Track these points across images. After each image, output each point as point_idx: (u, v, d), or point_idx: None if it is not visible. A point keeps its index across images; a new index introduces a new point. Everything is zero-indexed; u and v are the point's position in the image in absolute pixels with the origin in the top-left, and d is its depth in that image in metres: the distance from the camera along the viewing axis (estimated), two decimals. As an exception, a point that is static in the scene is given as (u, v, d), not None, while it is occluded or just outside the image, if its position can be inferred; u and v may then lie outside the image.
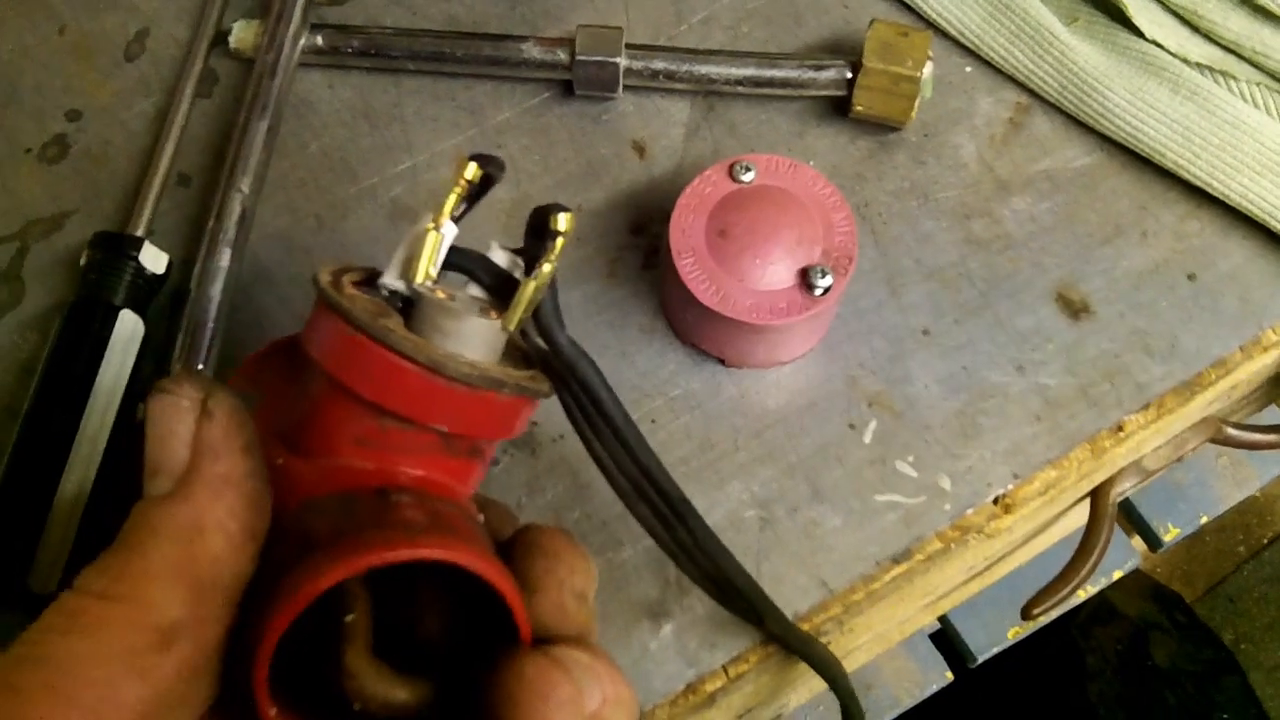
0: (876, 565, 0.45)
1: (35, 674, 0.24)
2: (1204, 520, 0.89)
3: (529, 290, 0.31)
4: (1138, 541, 0.91)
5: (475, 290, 0.32)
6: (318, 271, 0.30)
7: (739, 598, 0.41)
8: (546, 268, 0.30)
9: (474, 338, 0.30)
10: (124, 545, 0.26)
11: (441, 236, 0.30)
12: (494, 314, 0.31)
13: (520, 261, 0.32)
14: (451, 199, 0.30)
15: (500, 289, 0.32)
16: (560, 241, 0.30)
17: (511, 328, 0.31)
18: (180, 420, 0.27)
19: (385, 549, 0.25)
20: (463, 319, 0.30)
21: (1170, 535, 0.88)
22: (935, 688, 0.86)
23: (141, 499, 0.27)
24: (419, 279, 0.30)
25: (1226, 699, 1.13)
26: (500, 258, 0.32)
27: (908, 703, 0.86)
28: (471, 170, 0.30)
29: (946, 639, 0.89)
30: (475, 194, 0.31)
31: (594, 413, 0.34)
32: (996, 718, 1.09)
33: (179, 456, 0.27)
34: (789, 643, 0.42)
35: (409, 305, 0.31)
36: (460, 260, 0.31)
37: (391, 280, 0.31)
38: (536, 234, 0.31)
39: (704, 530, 0.39)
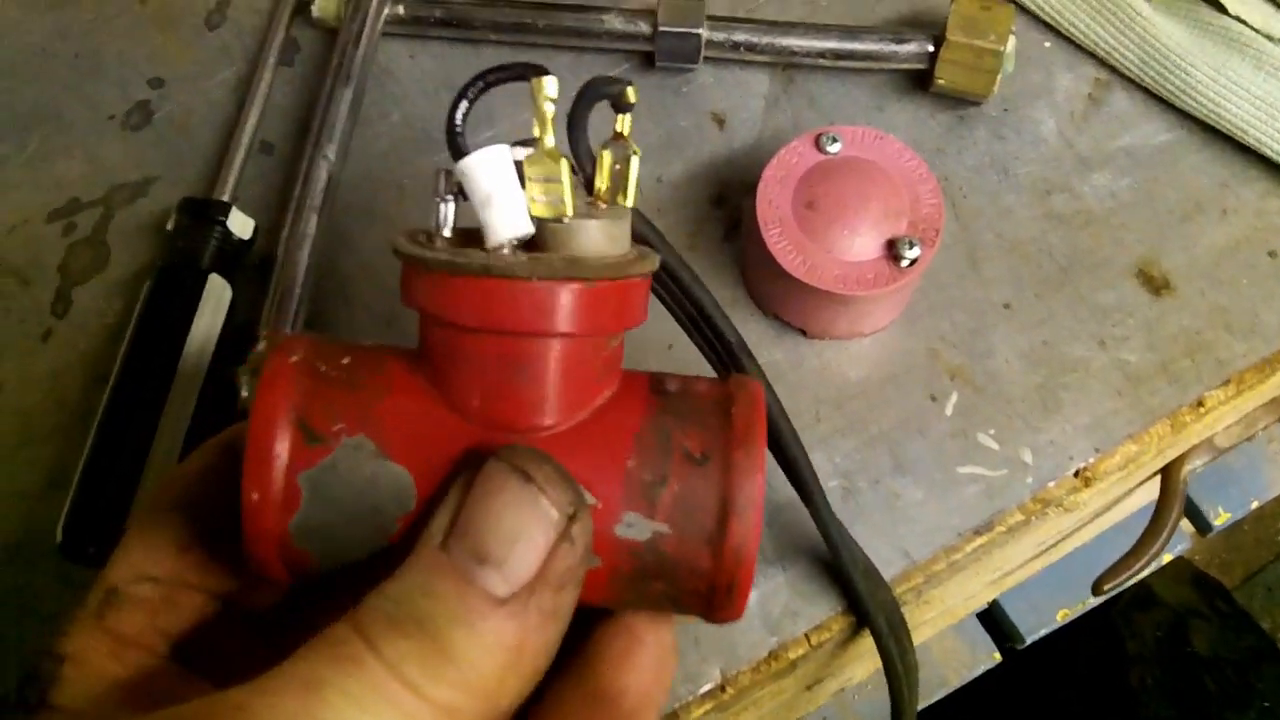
0: (958, 536, 0.45)
1: None
2: (1255, 505, 0.89)
3: (634, 164, 0.28)
4: (1186, 525, 0.91)
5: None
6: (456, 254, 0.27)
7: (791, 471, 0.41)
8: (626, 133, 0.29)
9: (613, 234, 0.28)
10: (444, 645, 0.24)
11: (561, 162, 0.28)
12: (600, 201, 0.29)
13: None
14: (549, 121, 0.27)
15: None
16: (629, 116, 0.29)
17: (633, 203, 0.29)
18: (540, 531, 0.25)
19: None
20: (599, 224, 0.28)
21: (1221, 519, 0.88)
22: (983, 668, 0.87)
23: (465, 584, 0.25)
24: (569, 213, 0.27)
25: (1267, 687, 1.12)
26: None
27: (956, 683, 0.86)
28: (552, 87, 0.27)
29: (994, 620, 0.89)
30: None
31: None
32: (1039, 702, 1.09)
33: (528, 564, 0.25)
34: (834, 545, 0.42)
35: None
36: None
37: (508, 231, 0.27)
38: (579, 115, 0.29)
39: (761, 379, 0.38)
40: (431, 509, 0.26)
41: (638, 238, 0.33)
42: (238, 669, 0.30)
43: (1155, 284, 0.49)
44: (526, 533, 0.25)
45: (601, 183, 0.28)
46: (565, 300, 0.26)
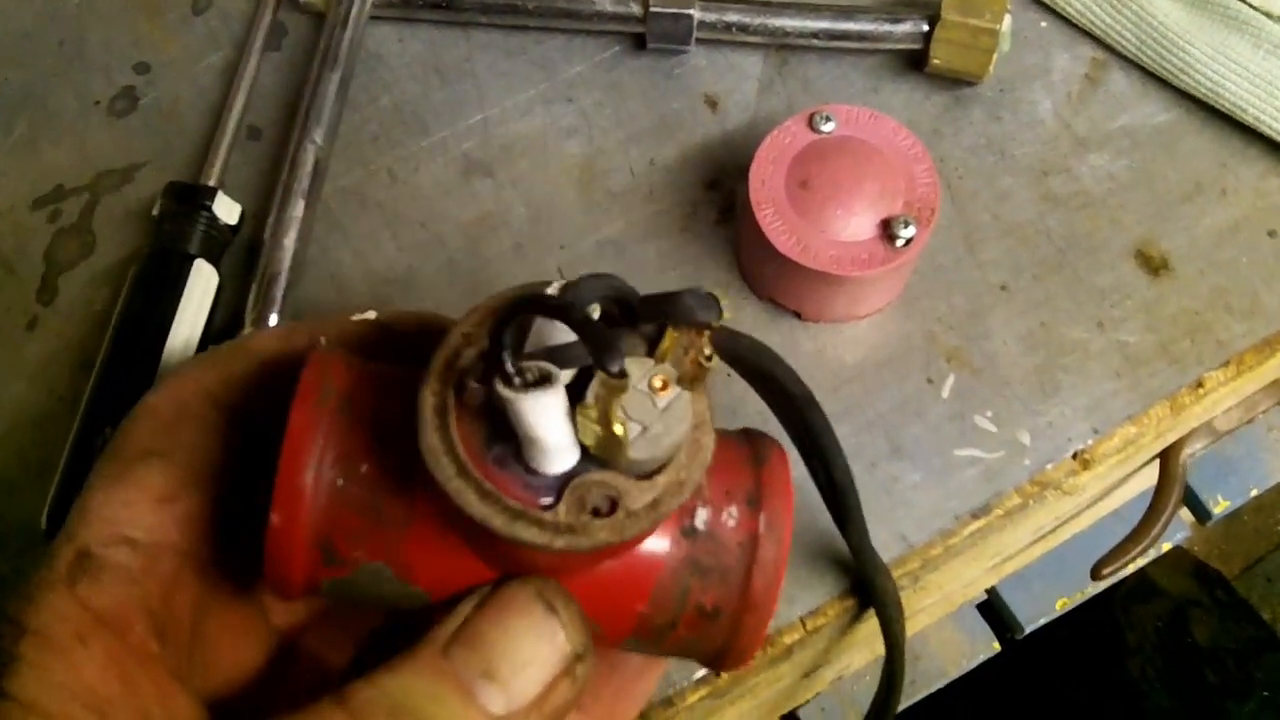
0: (956, 520, 0.44)
1: None
2: (1254, 493, 0.88)
3: (707, 382, 0.25)
4: (1186, 514, 0.90)
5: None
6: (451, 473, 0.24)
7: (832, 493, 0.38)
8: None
9: (666, 431, 0.25)
10: None
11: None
12: (659, 384, 0.25)
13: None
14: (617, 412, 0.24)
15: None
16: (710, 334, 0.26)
17: (704, 394, 0.26)
18: (552, 662, 0.26)
19: None
20: (651, 433, 0.24)
21: (1220, 508, 0.87)
22: (983, 658, 0.86)
23: (467, 695, 0.25)
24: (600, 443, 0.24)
25: (1268, 676, 1.12)
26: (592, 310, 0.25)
27: (954, 673, 0.86)
28: (625, 382, 0.24)
29: (994, 610, 0.89)
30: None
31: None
32: (1039, 692, 1.09)
33: (531, 690, 0.25)
34: (862, 560, 0.40)
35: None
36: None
37: (551, 469, 0.24)
38: (656, 315, 0.25)
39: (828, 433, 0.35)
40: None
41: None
42: (226, 665, 0.29)
43: (1154, 265, 0.48)
44: (538, 660, 0.25)
45: (664, 358, 0.25)
46: (601, 556, 0.26)
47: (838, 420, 0.45)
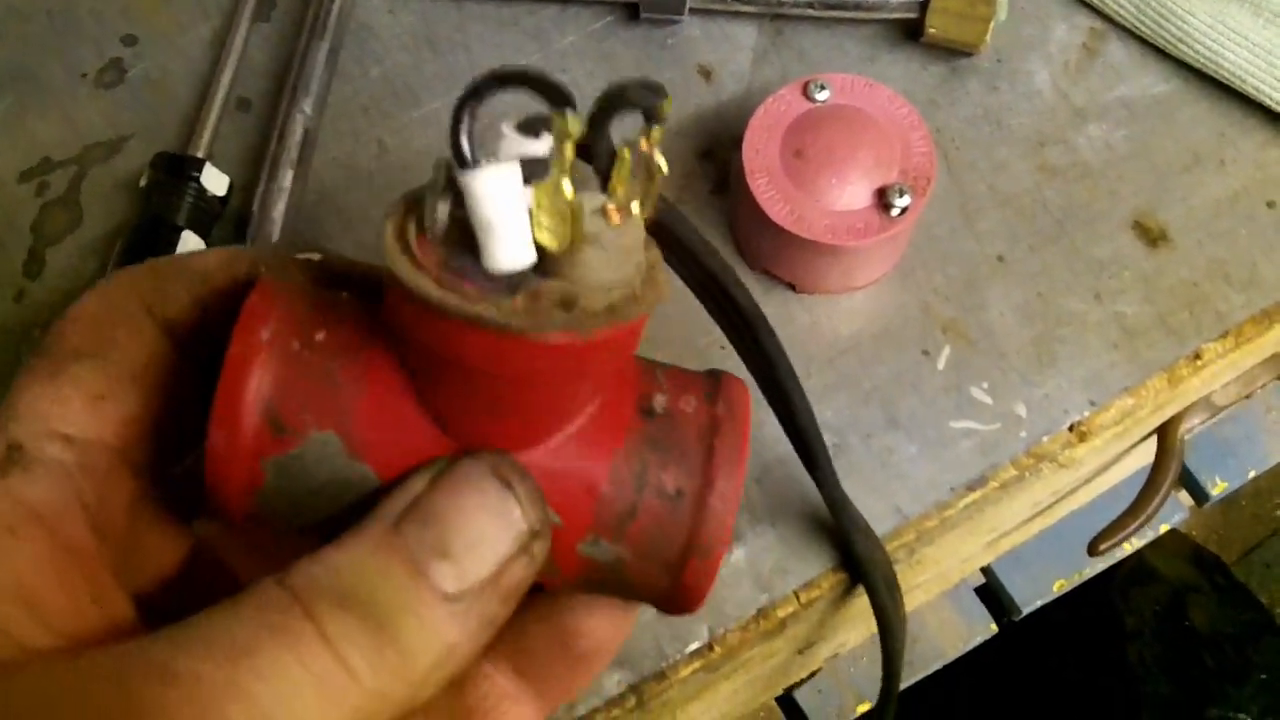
0: (951, 492, 0.44)
1: None
2: (1252, 474, 0.88)
3: (658, 182, 0.25)
4: (1185, 497, 0.90)
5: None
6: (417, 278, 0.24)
7: (796, 435, 0.39)
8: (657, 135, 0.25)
9: (623, 253, 0.25)
10: None
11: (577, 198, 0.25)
12: (616, 211, 0.25)
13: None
14: (569, 164, 0.24)
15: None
16: (661, 128, 0.26)
17: (649, 214, 0.26)
18: (506, 540, 0.25)
19: None
20: (605, 255, 0.25)
21: (1218, 489, 0.87)
22: (980, 639, 0.86)
23: (417, 572, 0.24)
24: (574, 247, 0.25)
25: (1265, 661, 1.12)
26: (539, 145, 0.25)
27: (952, 655, 0.86)
28: (577, 125, 0.24)
29: (991, 592, 0.88)
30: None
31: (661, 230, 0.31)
32: (1037, 677, 1.09)
33: (484, 569, 0.24)
34: (838, 512, 0.41)
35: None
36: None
37: (507, 262, 0.24)
38: (605, 118, 0.25)
39: (780, 354, 0.36)
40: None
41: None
42: (151, 568, 0.28)
43: (1152, 236, 0.48)
44: (492, 538, 0.24)
45: (618, 187, 0.25)
46: (558, 353, 0.25)
47: (833, 392, 0.45)
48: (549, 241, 0.24)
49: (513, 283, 0.24)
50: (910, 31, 0.50)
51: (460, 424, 0.26)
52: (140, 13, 0.53)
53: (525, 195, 0.24)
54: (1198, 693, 1.10)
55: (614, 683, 0.41)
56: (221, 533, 0.30)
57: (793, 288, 0.46)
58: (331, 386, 0.25)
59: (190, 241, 0.45)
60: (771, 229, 0.43)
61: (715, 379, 0.29)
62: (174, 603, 0.24)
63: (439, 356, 0.25)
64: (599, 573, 0.28)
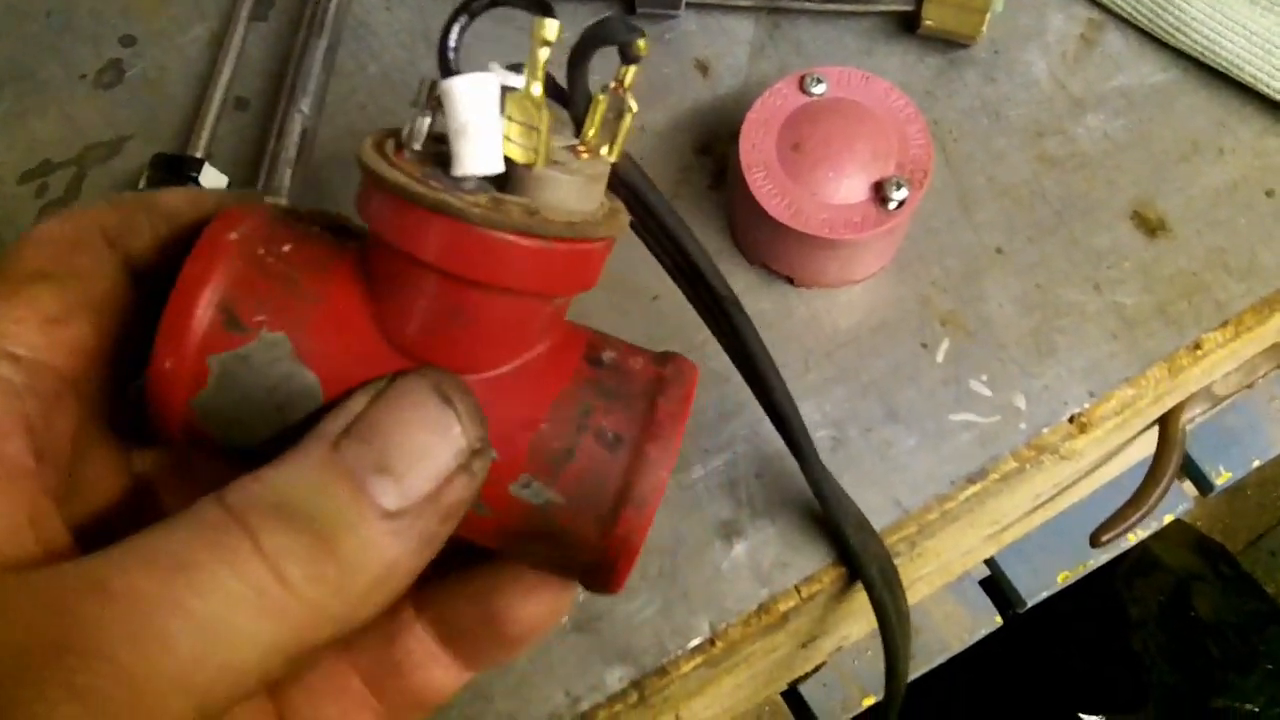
0: (951, 484, 0.44)
1: None
2: (1256, 464, 0.88)
3: (628, 121, 0.27)
4: (1189, 486, 0.90)
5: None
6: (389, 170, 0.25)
7: (781, 425, 0.39)
8: (629, 81, 0.27)
9: (586, 190, 0.27)
10: None
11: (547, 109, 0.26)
12: (583, 149, 0.27)
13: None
14: (540, 66, 0.25)
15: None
16: (636, 68, 0.27)
17: (615, 157, 0.27)
18: (446, 455, 0.25)
19: None
20: (571, 180, 0.26)
21: (1222, 479, 0.87)
22: (984, 632, 0.86)
23: (357, 488, 0.24)
24: (542, 163, 0.26)
25: (1271, 649, 1.12)
26: (520, 80, 0.26)
27: (957, 647, 0.86)
28: (551, 30, 0.25)
29: (995, 585, 0.88)
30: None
31: (643, 213, 0.33)
32: (1042, 667, 1.09)
33: (424, 485, 0.25)
34: (824, 496, 0.41)
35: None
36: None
37: (476, 166, 0.25)
38: (584, 53, 0.27)
39: (753, 335, 0.37)
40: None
41: (624, 183, 0.32)
42: (89, 496, 0.27)
43: (1151, 226, 0.47)
44: (432, 453, 0.24)
45: (590, 130, 0.27)
46: (516, 255, 0.25)
47: (832, 385, 0.45)
48: (518, 155, 0.25)
49: (480, 188, 0.25)
50: (907, 24, 0.50)
51: (411, 341, 0.26)
52: (139, 13, 0.53)
53: (500, 110, 0.25)
54: (1203, 682, 1.10)
55: (616, 678, 0.42)
56: (160, 468, 0.30)
57: (791, 281, 0.46)
58: (291, 291, 0.26)
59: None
60: (769, 223, 0.43)
61: (667, 355, 0.29)
62: (110, 541, 0.23)
63: (400, 252, 0.25)
64: (530, 520, 0.27)
